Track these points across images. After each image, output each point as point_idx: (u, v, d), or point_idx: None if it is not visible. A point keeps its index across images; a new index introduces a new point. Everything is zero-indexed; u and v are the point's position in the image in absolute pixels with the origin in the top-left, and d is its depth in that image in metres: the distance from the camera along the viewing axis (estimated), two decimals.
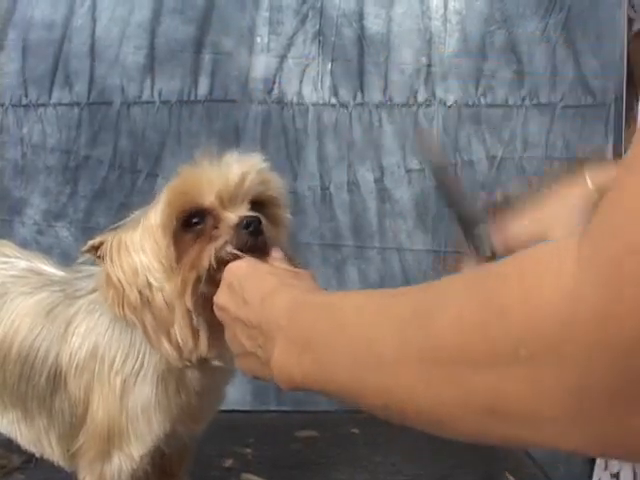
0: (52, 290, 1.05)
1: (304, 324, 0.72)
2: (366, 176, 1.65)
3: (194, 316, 0.92)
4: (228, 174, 0.94)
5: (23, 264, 1.08)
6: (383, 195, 1.66)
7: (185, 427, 1.03)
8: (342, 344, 0.65)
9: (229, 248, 0.91)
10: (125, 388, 0.99)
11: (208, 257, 0.91)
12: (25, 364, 1.02)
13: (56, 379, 1.01)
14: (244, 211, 0.93)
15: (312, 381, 0.68)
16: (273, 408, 1.54)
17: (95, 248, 0.96)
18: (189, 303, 0.91)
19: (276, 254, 0.91)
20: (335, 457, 1.30)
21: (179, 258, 0.93)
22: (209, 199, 0.93)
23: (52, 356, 1.02)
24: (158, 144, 1.64)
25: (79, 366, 1.00)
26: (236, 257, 0.89)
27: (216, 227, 0.93)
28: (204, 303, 0.90)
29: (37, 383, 1.02)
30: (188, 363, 0.96)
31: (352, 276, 1.64)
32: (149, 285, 0.93)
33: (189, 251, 0.93)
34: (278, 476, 1.22)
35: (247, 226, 0.91)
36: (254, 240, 0.91)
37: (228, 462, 1.26)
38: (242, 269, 0.86)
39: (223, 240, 0.91)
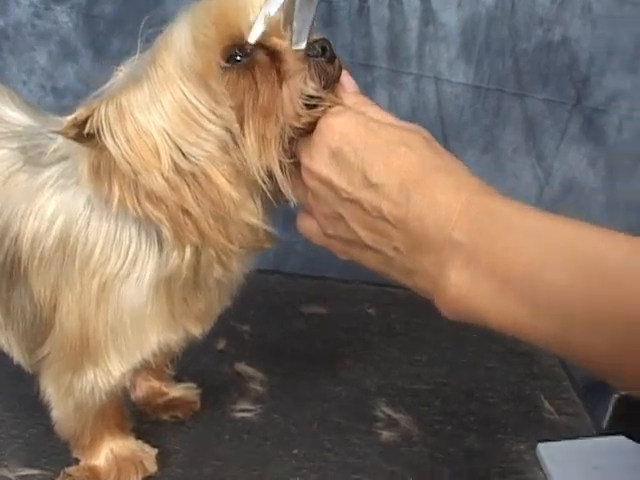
0: (13, 147, 0.82)
1: (498, 247, 0.59)
2: None
3: (281, 175, 0.72)
4: None
5: None
6: (427, 16, 1.44)
7: (186, 333, 0.85)
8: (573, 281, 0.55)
9: (313, 85, 0.70)
10: (105, 292, 0.79)
11: (291, 101, 0.70)
12: None
13: (14, 268, 0.81)
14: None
15: (506, 321, 0.59)
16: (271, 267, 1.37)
17: (79, 125, 0.70)
18: (275, 165, 0.71)
19: (349, 85, 0.73)
20: (344, 346, 1.13)
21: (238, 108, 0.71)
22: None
23: (9, 238, 0.80)
24: None
25: (44, 257, 0.79)
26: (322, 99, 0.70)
27: (278, 60, 0.71)
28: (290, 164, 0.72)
29: None
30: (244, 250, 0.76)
31: (381, 102, 1.42)
32: (184, 159, 0.71)
33: (247, 97, 0.71)
34: (276, 369, 1.09)
35: (323, 52, 0.70)
36: (335, 70, 0.71)
37: (221, 344, 1.12)
38: (353, 130, 0.68)
39: (303, 75, 0.70)
